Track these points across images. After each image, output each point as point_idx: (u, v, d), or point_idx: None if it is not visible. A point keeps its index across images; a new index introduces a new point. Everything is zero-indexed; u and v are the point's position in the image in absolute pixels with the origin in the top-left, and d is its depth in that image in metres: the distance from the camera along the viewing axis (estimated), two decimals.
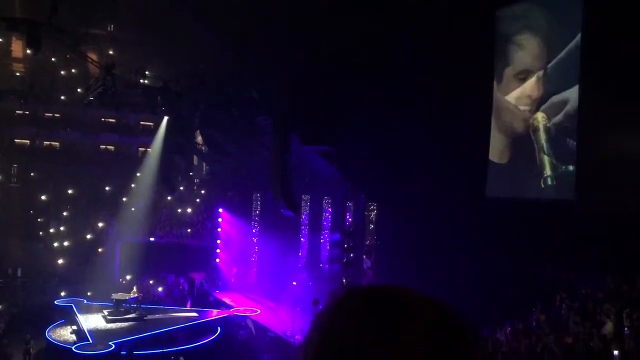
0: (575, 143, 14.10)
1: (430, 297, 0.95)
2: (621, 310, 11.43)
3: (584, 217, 13.64)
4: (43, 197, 32.80)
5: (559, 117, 14.56)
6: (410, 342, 0.87)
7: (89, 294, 25.58)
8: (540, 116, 15.10)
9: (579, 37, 13.83)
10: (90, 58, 24.20)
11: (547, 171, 15.02)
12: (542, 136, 15.10)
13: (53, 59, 31.75)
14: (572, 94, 14.16)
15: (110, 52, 32.32)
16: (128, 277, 28.17)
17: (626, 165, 12.62)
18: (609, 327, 11.12)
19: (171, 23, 21.28)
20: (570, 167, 14.31)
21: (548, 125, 14.90)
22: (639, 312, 11.12)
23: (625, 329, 10.78)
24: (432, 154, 17.04)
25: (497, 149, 16.69)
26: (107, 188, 33.16)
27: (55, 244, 31.14)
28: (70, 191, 33.05)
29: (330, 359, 0.89)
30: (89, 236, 31.57)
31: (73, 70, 33.59)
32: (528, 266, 15.39)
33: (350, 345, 0.88)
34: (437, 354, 0.88)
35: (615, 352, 9.71)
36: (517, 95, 15.87)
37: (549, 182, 14.92)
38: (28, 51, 23.39)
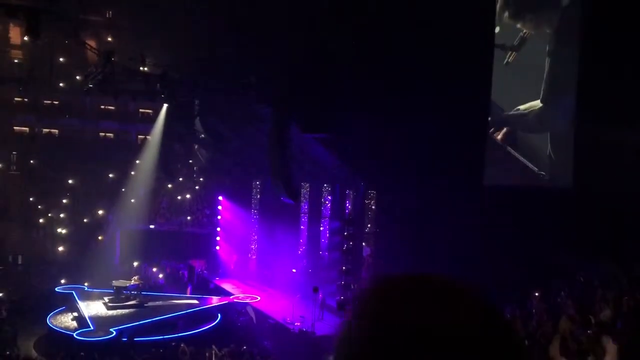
0: (572, 135, 14.24)
1: (463, 282, 0.94)
2: (619, 298, 11.49)
3: (582, 206, 13.72)
4: (43, 185, 32.81)
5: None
6: (457, 324, 0.85)
7: (85, 284, 25.51)
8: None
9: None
10: (89, 45, 24.09)
11: (545, 160, 15.04)
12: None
13: (51, 46, 31.58)
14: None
15: (109, 39, 32.15)
16: (129, 265, 28.27)
17: (623, 156, 12.81)
18: (606, 314, 11.17)
19: (170, 9, 21.13)
20: (568, 156, 14.35)
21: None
22: (636, 298, 11.17)
23: (624, 316, 10.83)
24: (431, 142, 17.01)
25: (495, 137, 16.68)
26: (110, 176, 33.10)
27: (56, 232, 31.21)
28: (69, 179, 33.04)
29: (372, 343, 0.85)
30: (88, 223, 31.62)
31: (72, 57, 33.42)
32: (527, 254, 15.46)
33: (392, 328, 0.84)
34: (487, 342, 0.86)
35: (611, 341, 9.74)
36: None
37: (547, 171, 14.96)
38: (26, 38, 23.23)
